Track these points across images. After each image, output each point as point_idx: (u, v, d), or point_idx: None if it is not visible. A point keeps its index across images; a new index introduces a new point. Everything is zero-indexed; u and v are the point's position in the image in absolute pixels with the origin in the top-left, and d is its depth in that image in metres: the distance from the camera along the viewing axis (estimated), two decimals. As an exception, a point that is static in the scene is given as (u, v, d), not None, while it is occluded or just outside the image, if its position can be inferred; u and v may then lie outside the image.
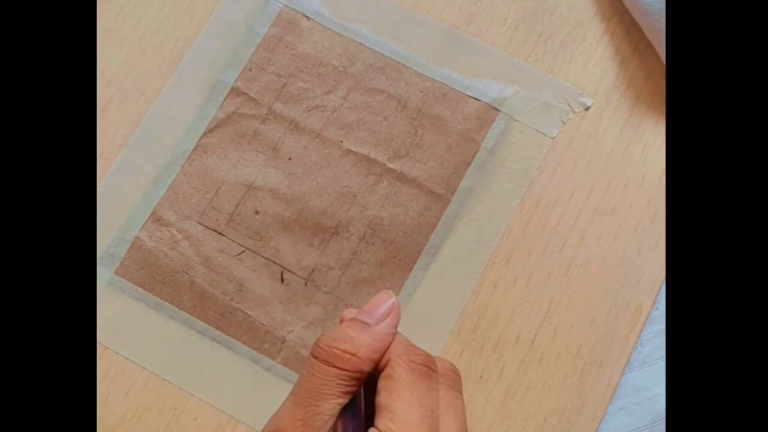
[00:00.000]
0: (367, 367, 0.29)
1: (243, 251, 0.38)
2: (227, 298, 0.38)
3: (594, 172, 0.39)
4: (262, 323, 0.37)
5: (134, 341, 0.37)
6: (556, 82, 0.40)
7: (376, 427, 0.27)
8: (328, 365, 0.29)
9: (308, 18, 0.41)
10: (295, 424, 0.28)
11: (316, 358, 0.29)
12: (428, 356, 0.30)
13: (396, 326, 0.31)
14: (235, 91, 0.40)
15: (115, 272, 0.38)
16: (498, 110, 0.40)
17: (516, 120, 0.40)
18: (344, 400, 0.29)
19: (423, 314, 0.37)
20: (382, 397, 0.28)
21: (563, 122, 0.40)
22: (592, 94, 0.40)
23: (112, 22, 0.41)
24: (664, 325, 0.37)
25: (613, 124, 0.40)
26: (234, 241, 0.38)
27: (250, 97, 0.40)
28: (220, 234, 0.39)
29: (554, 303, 0.38)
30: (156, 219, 0.39)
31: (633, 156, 0.39)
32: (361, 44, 0.41)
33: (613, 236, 0.38)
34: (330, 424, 0.28)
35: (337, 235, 0.38)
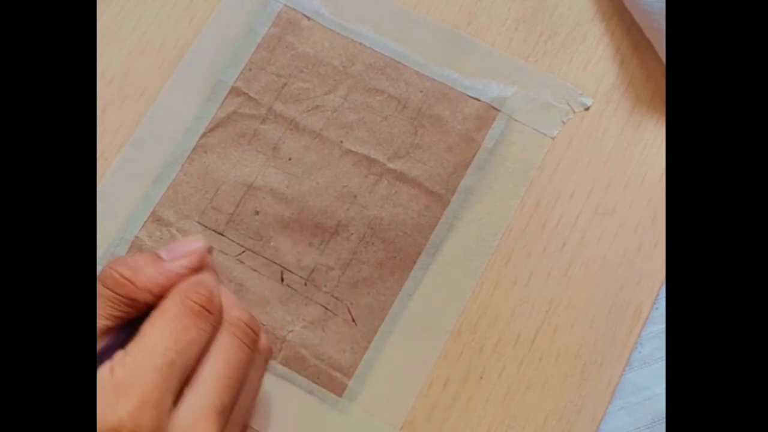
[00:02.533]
0: (142, 296, 0.30)
1: (243, 251, 0.38)
2: (227, 298, 0.38)
3: (594, 172, 0.39)
4: (262, 323, 0.37)
5: (134, 341, 0.37)
6: (556, 82, 0.40)
7: (125, 350, 0.28)
8: (103, 286, 0.30)
9: (308, 18, 0.41)
10: None
11: (99, 277, 0.30)
12: (209, 298, 0.30)
13: (193, 268, 0.31)
14: (235, 91, 0.40)
15: (115, 272, 0.38)
16: (498, 110, 0.40)
17: (516, 120, 0.40)
18: (110, 323, 0.29)
19: (423, 314, 0.37)
20: (145, 325, 0.29)
21: (563, 122, 0.40)
22: (592, 94, 0.40)
23: (112, 22, 0.41)
24: (664, 325, 0.37)
25: (613, 124, 0.40)
26: (234, 241, 0.38)
27: (250, 97, 0.40)
28: (220, 234, 0.39)
29: (554, 303, 0.38)
30: (156, 219, 0.39)
31: (633, 156, 0.39)
32: (361, 44, 0.41)
33: (613, 236, 0.38)
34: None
35: (337, 235, 0.38)
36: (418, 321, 0.37)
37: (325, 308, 0.38)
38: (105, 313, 0.29)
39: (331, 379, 0.37)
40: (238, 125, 0.40)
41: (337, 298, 0.38)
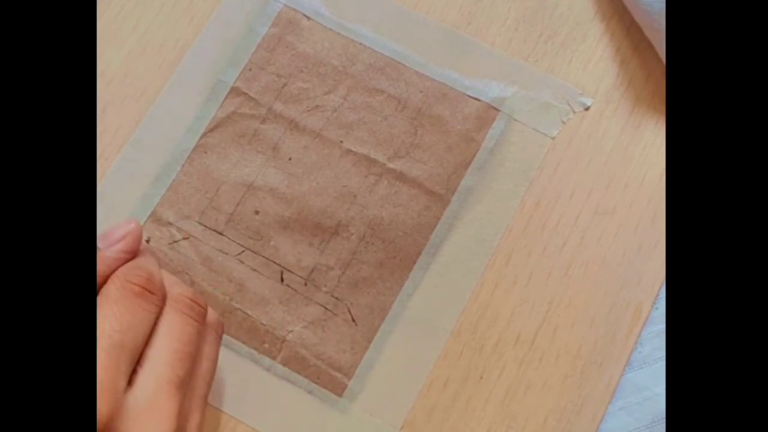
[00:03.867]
0: None
1: (243, 251, 0.38)
2: (227, 298, 0.38)
3: (594, 172, 0.39)
4: (262, 323, 0.37)
5: (134, 341, 0.37)
6: (556, 82, 0.40)
7: None
8: None
9: (308, 18, 0.41)
10: None
11: None
12: (149, 279, 0.30)
13: (130, 251, 0.31)
14: (235, 91, 0.40)
15: (115, 272, 0.38)
16: (498, 110, 0.40)
17: (516, 120, 0.40)
18: None
19: (423, 314, 0.37)
20: None
21: (563, 122, 0.40)
22: (592, 94, 0.40)
23: (112, 22, 0.41)
24: (664, 325, 0.37)
25: (613, 124, 0.40)
26: (234, 241, 0.38)
27: (250, 97, 0.40)
28: (220, 234, 0.39)
29: (554, 303, 0.38)
30: (156, 219, 0.39)
31: (633, 156, 0.39)
32: (361, 44, 0.41)
33: (613, 236, 0.38)
34: None
35: (337, 235, 0.38)
36: (418, 321, 0.37)
37: (325, 308, 0.38)
38: None
39: (331, 379, 0.37)
40: (238, 125, 0.40)
41: (337, 298, 0.38)
